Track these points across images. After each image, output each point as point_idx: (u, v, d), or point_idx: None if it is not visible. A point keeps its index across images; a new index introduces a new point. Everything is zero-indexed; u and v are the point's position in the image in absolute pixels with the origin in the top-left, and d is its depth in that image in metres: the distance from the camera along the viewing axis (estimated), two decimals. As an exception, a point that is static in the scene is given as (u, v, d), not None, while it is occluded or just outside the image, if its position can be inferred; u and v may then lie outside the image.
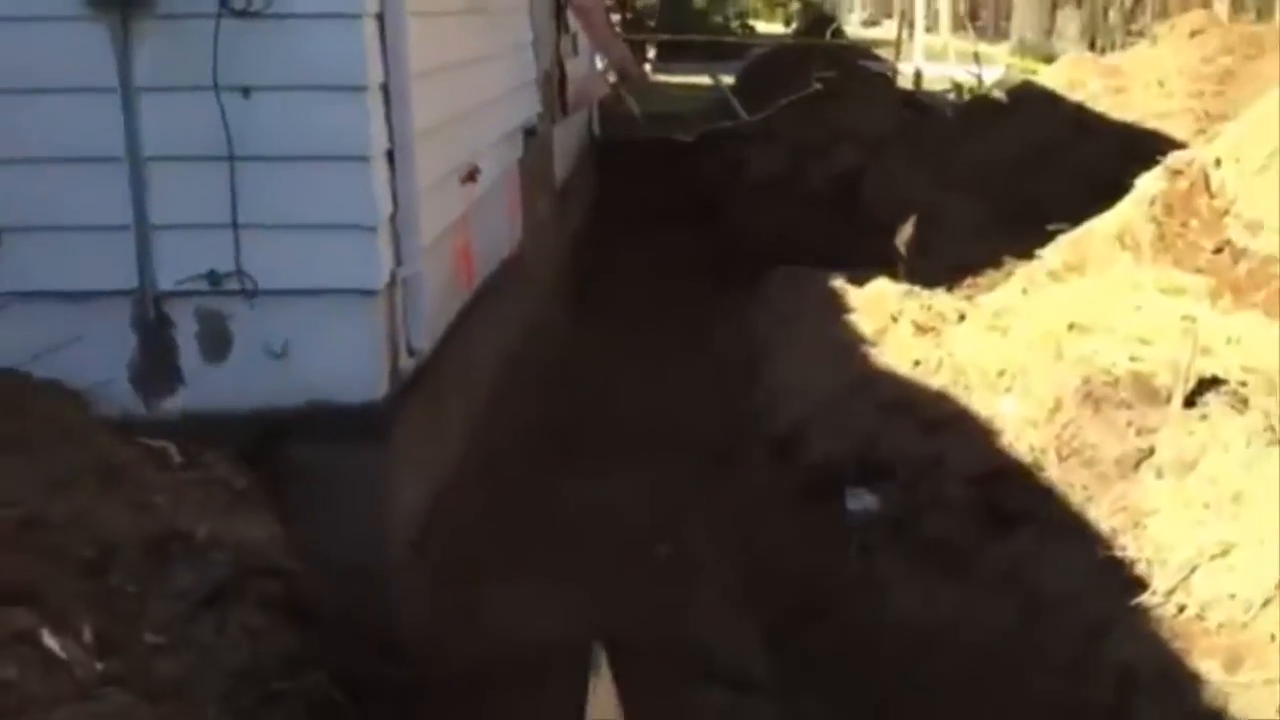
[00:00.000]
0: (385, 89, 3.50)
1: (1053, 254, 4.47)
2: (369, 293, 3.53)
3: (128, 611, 2.24)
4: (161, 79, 3.31)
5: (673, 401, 5.14)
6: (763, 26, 19.43)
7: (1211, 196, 3.88)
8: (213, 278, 3.44)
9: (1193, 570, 2.59)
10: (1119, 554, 2.88)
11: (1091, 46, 11.68)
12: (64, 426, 2.59)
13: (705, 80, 13.37)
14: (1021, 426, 3.29)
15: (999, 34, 25.88)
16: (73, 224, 3.40)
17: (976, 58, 14.28)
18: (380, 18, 3.44)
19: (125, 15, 3.24)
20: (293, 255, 3.45)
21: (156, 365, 3.52)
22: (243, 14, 3.23)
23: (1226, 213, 3.80)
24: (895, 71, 14.52)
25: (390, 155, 3.55)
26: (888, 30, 29.27)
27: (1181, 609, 2.54)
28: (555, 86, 7.40)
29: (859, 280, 4.74)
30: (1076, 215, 5.40)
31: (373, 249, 3.51)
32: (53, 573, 2.31)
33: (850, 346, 3.97)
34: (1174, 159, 4.21)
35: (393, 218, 3.59)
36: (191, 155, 3.36)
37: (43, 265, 3.40)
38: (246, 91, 3.31)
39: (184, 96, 3.32)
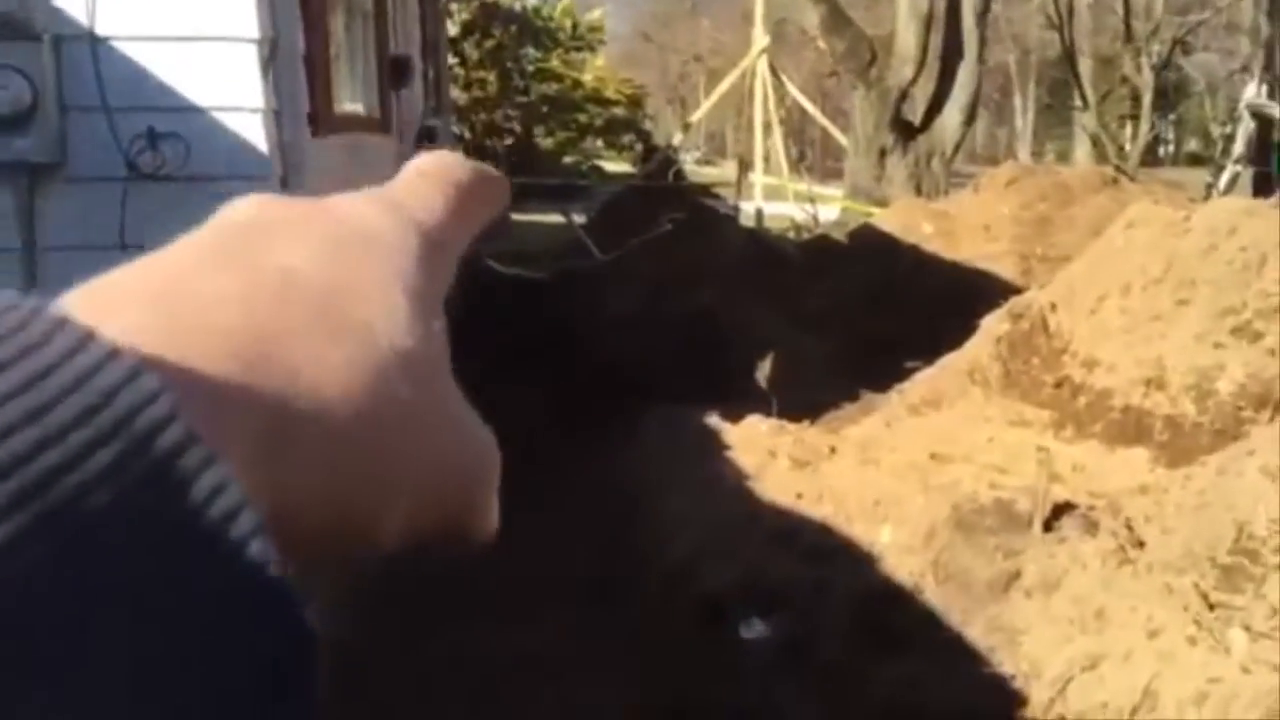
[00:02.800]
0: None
1: (911, 390, 4.83)
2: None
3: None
4: (66, 238, 3.37)
5: (557, 538, 5.24)
6: (610, 166, 20.26)
7: (1050, 337, 4.30)
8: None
9: (1067, 683, 2.84)
10: (997, 670, 3.12)
11: (918, 191, 12.60)
12: None
13: (556, 219, 13.77)
14: (900, 553, 3.54)
15: (826, 174, 27.46)
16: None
17: (812, 200, 15.13)
18: (284, 179, 3.58)
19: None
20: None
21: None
22: (150, 177, 3.34)
23: (1064, 351, 4.21)
24: (737, 210, 15.25)
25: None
26: (722, 170, 30.70)
27: (1061, 719, 2.78)
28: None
29: (731, 418, 4.99)
30: (920, 350, 5.83)
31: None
32: None
33: (733, 482, 4.18)
34: (1015, 303, 4.65)
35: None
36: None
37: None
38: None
39: (88, 255, 3.38)
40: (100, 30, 3.29)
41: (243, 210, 0.32)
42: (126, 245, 3.36)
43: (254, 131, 3.41)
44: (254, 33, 3.36)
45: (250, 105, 3.39)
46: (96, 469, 0.21)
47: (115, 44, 3.31)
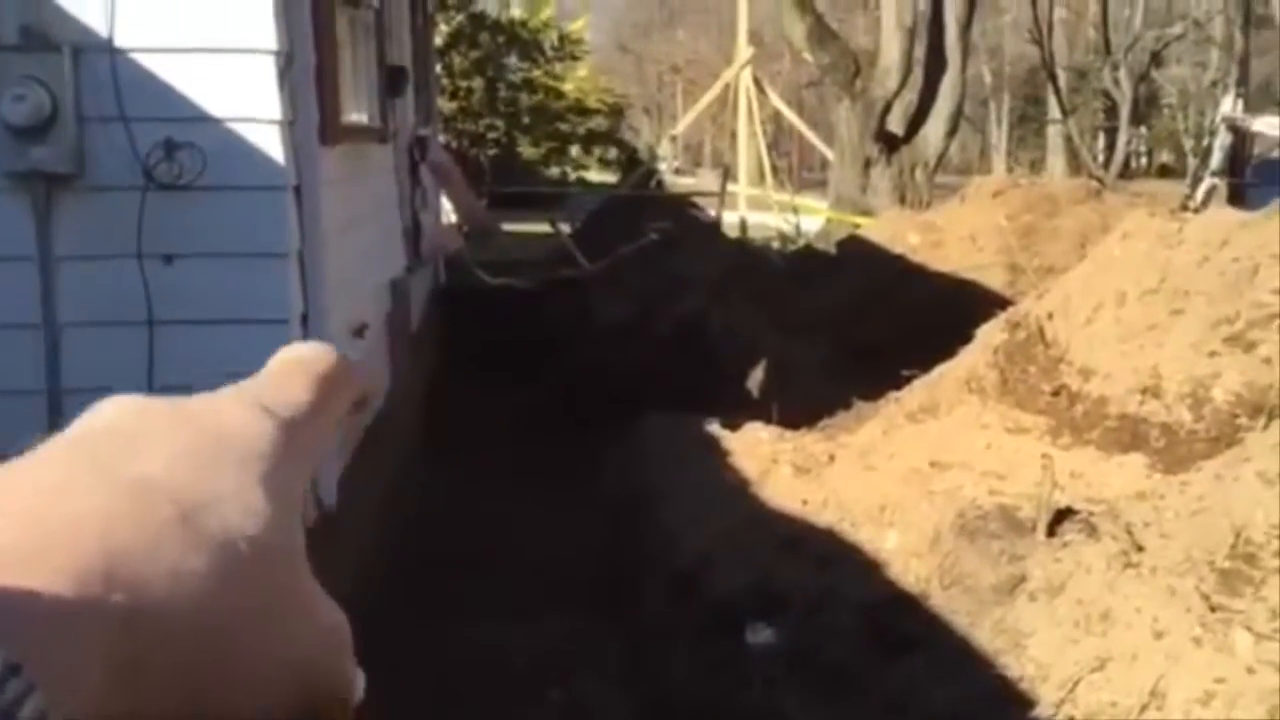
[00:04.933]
0: (301, 255, 3.66)
1: (908, 397, 4.90)
2: (283, 450, 3.62)
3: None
4: (81, 247, 3.39)
5: (557, 544, 5.29)
6: (594, 177, 20.38)
7: (1047, 346, 4.38)
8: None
9: (1075, 684, 2.91)
10: (1003, 672, 3.18)
11: (901, 202, 12.73)
12: None
13: (542, 228, 13.79)
14: (906, 558, 3.60)
15: (802, 185, 27.63)
16: (-17, 389, 3.40)
17: (795, 210, 15.24)
18: (297, 189, 3.62)
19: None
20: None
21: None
22: (168, 186, 3.37)
23: (1061, 360, 4.30)
24: (719, 220, 15.34)
25: (304, 317, 3.69)
26: (700, 180, 30.81)
27: (1071, 719, 2.85)
28: (412, 239, 7.63)
29: (731, 425, 5.05)
30: (910, 359, 5.91)
31: (288, 408, 3.62)
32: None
33: (737, 488, 4.24)
34: (1012, 313, 4.73)
35: (305, 377, 3.71)
36: (109, 320, 3.43)
37: (-51, 431, 3.38)
38: (169, 258, 3.42)
39: (104, 264, 3.41)
40: (119, 41, 3.32)
41: (106, 417, 0.33)
42: (143, 254, 3.40)
43: (270, 142, 3.45)
44: (272, 45, 3.40)
45: (267, 116, 3.43)
46: None
47: (134, 55, 3.34)
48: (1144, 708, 2.73)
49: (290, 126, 3.55)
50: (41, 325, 3.39)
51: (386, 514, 5.45)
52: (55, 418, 3.45)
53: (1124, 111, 23.30)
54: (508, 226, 14.39)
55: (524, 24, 17.70)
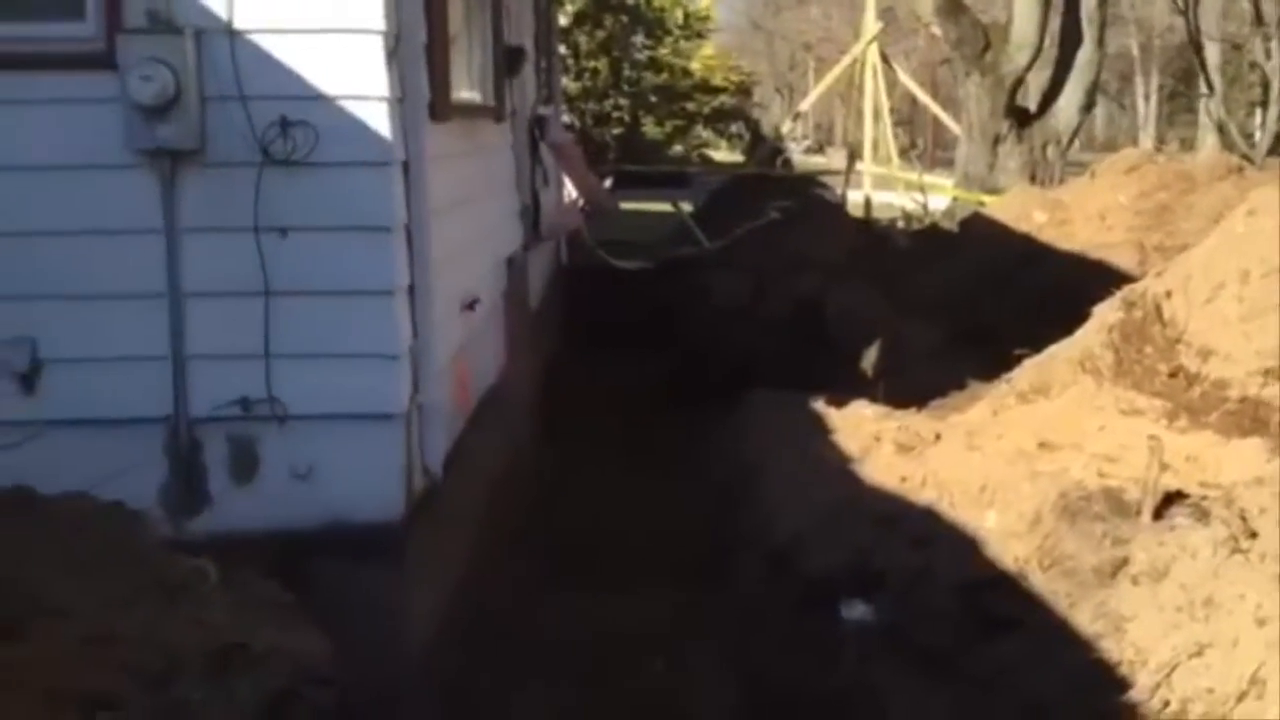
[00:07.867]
0: (408, 229, 3.77)
1: (1020, 377, 4.80)
2: (390, 417, 3.75)
3: (192, 721, 2.39)
4: (203, 220, 3.56)
5: (662, 519, 5.34)
6: (719, 156, 20.31)
7: (1164, 326, 4.23)
8: (244, 404, 3.65)
9: (1173, 669, 2.83)
10: (1101, 656, 3.11)
11: (1032, 180, 12.36)
12: (127, 548, 2.76)
13: (663, 207, 13.83)
14: (1005, 538, 3.54)
15: (936, 163, 27.03)
16: (113, 355, 3.60)
17: (922, 189, 14.96)
18: (405, 165, 3.72)
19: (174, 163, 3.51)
20: (320, 383, 3.67)
21: (186, 488, 3.69)
22: (283, 162, 3.51)
23: (1179, 340, 4.15)
24: (844, 199, 15.15)
25: (411, 289, 3.81)
26: (830, 158, 30.42)
27: (1166, 704, 2.77)
28: (531, 217, 7.75)
29: (836, 403, 5.02)
30: (1030, 340, 5.77)
31: (395, 376, 3.74)
32: (126, 684, 2.46)
33: (838, 465, 4.22)
34: (1129, 291, 4.58)
35: (412, 347, 3.83)
36: (228, 291, 3.60)
37: (82, 394, 3.59)
38: (284, 231, 3.57)
39: (224, 237, 3.57)
40: (238, 23, 3.47)
41: None
42: (259, 227, 3.55)
43: (379, 119, 3.56)
44: (380, 25, 3.51)
45: (376, 94, 3.54)
46: None
47: (251, 36, 3.48)
48: (1242, 695, 2.64)
49: (399, 104, 3.66)
50: (167, 294, 3.57)
51: (499, 485, 5.57)
52: (180, 382, 3.64)
53: (1274, 85, 22.10)
54: (629, 205, 14.48)
55: (649, 3, 17.71)
